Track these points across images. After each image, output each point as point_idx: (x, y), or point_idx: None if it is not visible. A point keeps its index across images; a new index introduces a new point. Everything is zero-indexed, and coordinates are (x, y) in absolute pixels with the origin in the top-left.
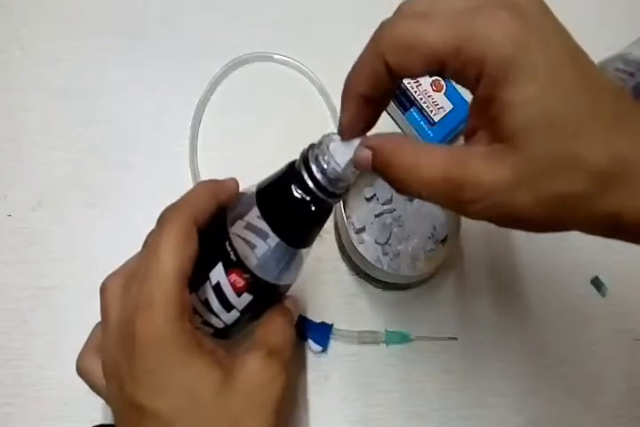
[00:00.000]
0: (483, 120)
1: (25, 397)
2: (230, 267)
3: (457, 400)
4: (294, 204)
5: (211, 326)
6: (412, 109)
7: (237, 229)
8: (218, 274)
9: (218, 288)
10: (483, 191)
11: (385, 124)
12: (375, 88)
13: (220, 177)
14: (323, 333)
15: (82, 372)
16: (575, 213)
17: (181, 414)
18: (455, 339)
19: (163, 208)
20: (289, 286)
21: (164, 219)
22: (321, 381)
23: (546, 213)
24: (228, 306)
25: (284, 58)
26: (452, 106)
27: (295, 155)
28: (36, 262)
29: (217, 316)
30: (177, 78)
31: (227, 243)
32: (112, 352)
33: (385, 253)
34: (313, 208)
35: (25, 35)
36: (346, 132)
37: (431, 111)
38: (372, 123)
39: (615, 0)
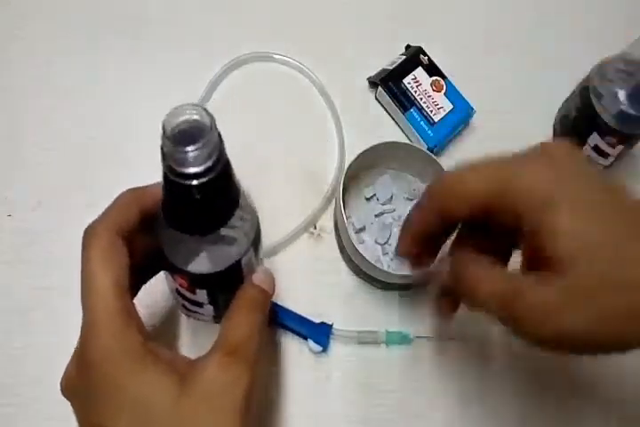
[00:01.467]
0: (532, 251)
1: (25, 397)
2: (173, 271)
3: (457, 400)
4: (165, 189)
5: (207, 315)
6: (411, 109)
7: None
8: (170, 281)
9: (179, 292)
10: (534, 309)
11: (385, 124)
12: (427, 229)
13: None
14: (323, 333)
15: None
16: (631, 328)
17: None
18: (454, 339)
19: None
20: (238, 265)
21: (86, 236)
22: (321, 381)
23: (598, 332)
24: (196, 303)
25: (284, 58)
26: (451, 106)
27: (295, 154)
28: (36, 262)
29: (200, 311)
30: (177, 78)
31: (163, 248)
32: (70, 378)
33: (385, 253)
34: (171, 188)
35: (25, 35)
36: (401, 255)
37: (431, 111)
38: (432, 253)
39: (615, 0)
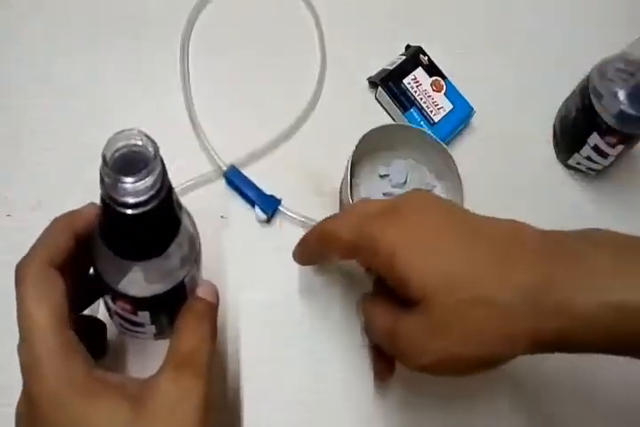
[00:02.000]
0: (400, 295)
1: None
2: (114, 296)
3: (458, 400)
4: (103, 213)
5: (148, 334)
6: (412, 109)
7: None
8: (110, 304)
9: (118, 314)
10: (410, 340)
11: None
12: (312, 259)
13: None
14: (270, 204)
15: None
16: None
17: None
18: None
19: None
20: (182, 284)
21: (17, 273)
22: (321, 381)
23: (472, 350)
24: (138, 324)
25: None
26: (451, 106)
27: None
28: None
29: (141, 331)
30: (177, 78)
31: (100, 272)
32: (21, 413)
33: None
34: (109, 213)
35: (25, 35)
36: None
37: (431, 111)
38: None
39: (615, 0)
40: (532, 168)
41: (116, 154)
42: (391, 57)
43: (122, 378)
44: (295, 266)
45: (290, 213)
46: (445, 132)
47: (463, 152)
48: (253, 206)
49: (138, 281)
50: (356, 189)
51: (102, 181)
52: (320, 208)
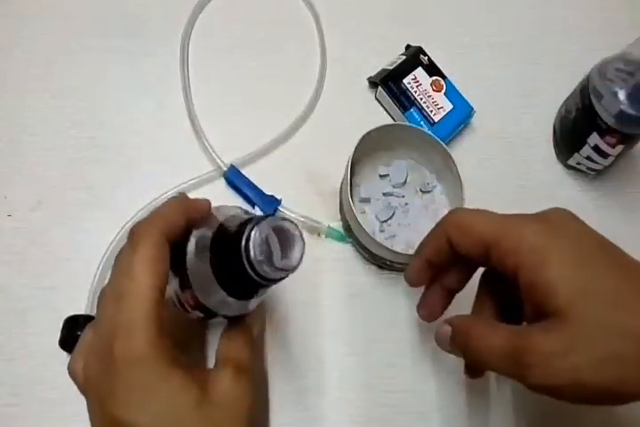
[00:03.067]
0: (531, 304)
1: (25, 397)
2: (184, 286)
3: (458, 400)
4: (240, 270)
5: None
6: (412, 109)
7: (193, 254)
8: (176, 288)
9: (180, 301)
10: (541, 356)
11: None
12: (437, 255)
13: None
14: (270, 204)
15: (72, 374)
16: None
17: (164, 425)
18: None
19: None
20: (246, 313)
21: (136, 235)
22: (321, 381)
23: (606, 374)
24: (187, 310)
25: None
26: (452, 106)
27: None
28: (36, 262)
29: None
30: (177, 78)
31: (186, 264)
32: (92, 370)
33: (382, 231)
34: (255, 278)
35: (25, 35)
36: (411, 282)
37: (431, 111)
38: (444, 302)
39: (615, 0)
40: (532, 168)
41: (270, 229)
42: (391, 57)
43: (187, 361)
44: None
45: (290, 213)
46: (445, 132)
47: (463, 152)
48: (253, 206)
49: (216, 300)
50: (356, 189)
51: (249, 260)
52: (320, 208)
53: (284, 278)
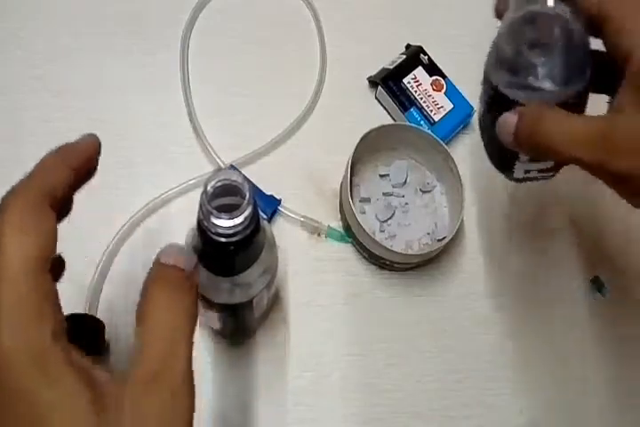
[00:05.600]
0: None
1: None
2: None
3: (457, 400)
4: (204, 239)
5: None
6: (412, 109)
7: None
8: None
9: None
10: (630, 134)
11: (385, 123)
12: None
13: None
14: (270, 204)
15: None
16: None
17: None
18: None
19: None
20: (250, 302)
21: (2, 200)
22: (321, 381)
23: None
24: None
25: None
26: (452, 105)
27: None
28: None
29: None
30: (177, 78)
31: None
32: None
33: (382, 231)
34: (204, 238)
35: (25, 35)
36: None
37: (431, 111)
38: None
39: None
40: None
41: (217, 184)
42: (391, 57)
43: (90, 363)
44: (293, 265)
45: (290, 213)
46: (445, 131)
47: (463, 152)
48: None
49: (212, 288)
50: (356, 189)
51: (201, 208)
52: (320, 208)
53: (243, 242)
